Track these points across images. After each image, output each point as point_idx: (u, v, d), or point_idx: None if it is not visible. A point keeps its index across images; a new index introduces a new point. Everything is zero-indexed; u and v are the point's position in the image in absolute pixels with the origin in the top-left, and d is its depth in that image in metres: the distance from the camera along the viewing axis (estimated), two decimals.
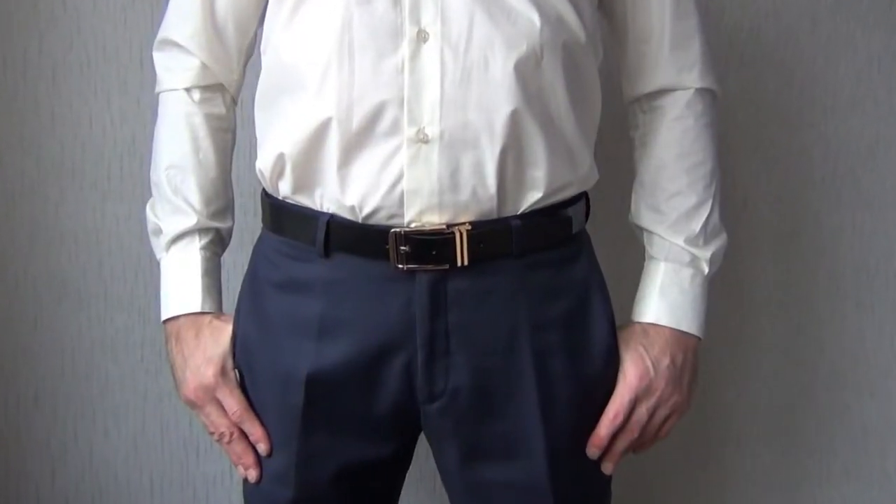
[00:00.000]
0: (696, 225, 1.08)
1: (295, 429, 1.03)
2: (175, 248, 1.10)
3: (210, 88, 1.12)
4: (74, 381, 1.51)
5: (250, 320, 1.07)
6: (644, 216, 1.11)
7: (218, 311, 1.10)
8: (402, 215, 0.97)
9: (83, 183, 1.48)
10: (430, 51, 0.94)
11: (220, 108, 1.13)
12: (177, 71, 1.11)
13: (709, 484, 1.64)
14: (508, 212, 0.99)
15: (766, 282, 1.59)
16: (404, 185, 0.96)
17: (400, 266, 0.97)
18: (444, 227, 0.97)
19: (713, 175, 1.10)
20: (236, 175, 1.19)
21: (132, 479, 1.54)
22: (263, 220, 1.10)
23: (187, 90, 1.11)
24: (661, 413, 1.06)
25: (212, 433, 1.08)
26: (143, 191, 1.46)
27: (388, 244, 0.97)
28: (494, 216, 0.98)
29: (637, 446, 1.08)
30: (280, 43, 1.01)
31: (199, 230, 1.10)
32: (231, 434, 1.06)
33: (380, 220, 0.98)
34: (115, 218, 1.49)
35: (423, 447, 1.11)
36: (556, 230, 1.03)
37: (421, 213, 0.96)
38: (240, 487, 1.14)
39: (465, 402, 1.01)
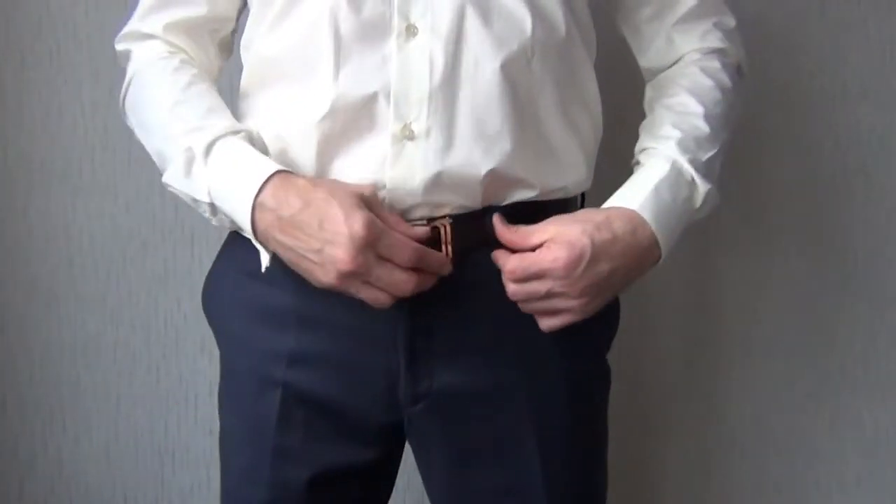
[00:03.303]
0: (704, 155, 1.01)
1: (270, 423, 1.01)
2: (212, 155, 0.95)
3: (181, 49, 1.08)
4: (43, 386, 1.51)
5: (229, 309, 1.05)
6: (647, 141, 1.04)
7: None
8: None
9: (53, 177, 1.48)
10: (418, 46, 0.94)
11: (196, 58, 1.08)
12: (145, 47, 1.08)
13: (712, 493, 1.63)
14: (493, 204, 0.98)
15: (773, 281, 1.58)
16: (387, 183, 0.94)
17: None
18: (423, 221, 0.95)
19: (728, 122, 1.05)
20: None
21: (104, 489, 1.53)
22: None
23: (158, 39, 1.06)
24: (554, 304, 0.94)
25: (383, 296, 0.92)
26: (115, 185, 1.49)
27: None
28: (479, 208, 0.97)
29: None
30: (264, 40, 1.00)
31: (231, 132, 0.96)
32: (415, 282, 0.91)
33: None
34: (86, 214, 1.48)
35: (408, 456, 1.09)
36: (545, 219, 1.00)
37: (403, 213, 0.95)
38: (216, 498, 1.13)
39: (450, 403, 0.99)
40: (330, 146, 0.95)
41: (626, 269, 0.95)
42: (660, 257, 0.97)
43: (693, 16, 1.08)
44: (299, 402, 1.00)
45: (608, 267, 0.93)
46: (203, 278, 1.12)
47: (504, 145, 0.95)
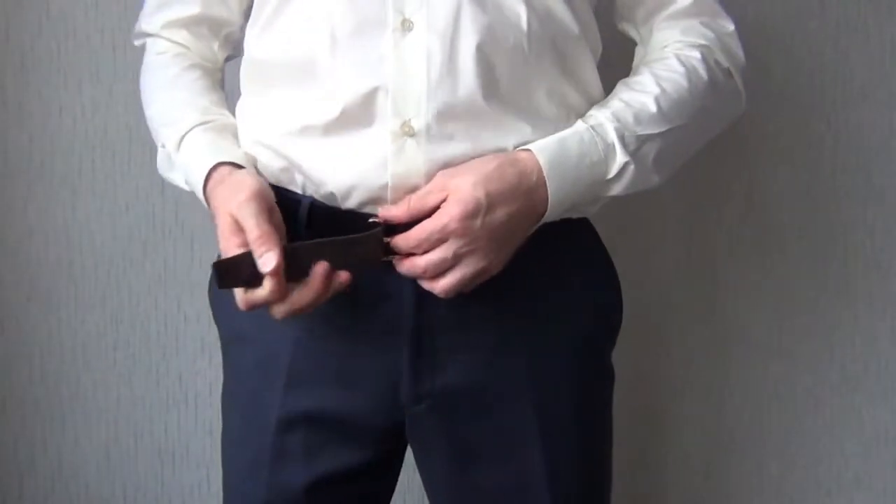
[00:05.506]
0: (640, 130, 0.96)
1: (271, 422, 1.01)
2: (181, 151, 1.00)
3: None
4: (43, 387, 1.50)
5: (234, 307, 1.03)
6: (593, 109, 0.99)
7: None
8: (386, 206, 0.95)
9: (53, 177, 1.47)
10: (415, 40, 0.93)
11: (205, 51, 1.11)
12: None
13: (712, 494, 1.63)
14: None
15: (773, 281, 1.58)
16: (388, 180, 0.93)
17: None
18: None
19: (688, 111, 0.99)
20: None
21: (104, 489, 1.53)
22: None
23: (159, 37, 1.10)
24: (467, 267, 0.92)
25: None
26: (115, 185, 1.48)
27: None
28: None
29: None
30: (257, 43, 1.00)
31: (198, 124, 1.00)
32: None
33: (362, 210, 0.95)
34: (86, 214, 1.48)
35: (408, 456, 1.08)
36: None
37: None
38: (218, 498, 1.13)
39: (454, 402, 0.99)
40: (328, 146, 0.94)
41: (521, 213, 0.92)
42: (545, 211, 0.94)
43: (681, 13, 1.05)
44: (300, 403, 1.00)
45: (505, 213, 0.91)
46: (203, 278, 1.13)
47: (505, 140, 0.94)
